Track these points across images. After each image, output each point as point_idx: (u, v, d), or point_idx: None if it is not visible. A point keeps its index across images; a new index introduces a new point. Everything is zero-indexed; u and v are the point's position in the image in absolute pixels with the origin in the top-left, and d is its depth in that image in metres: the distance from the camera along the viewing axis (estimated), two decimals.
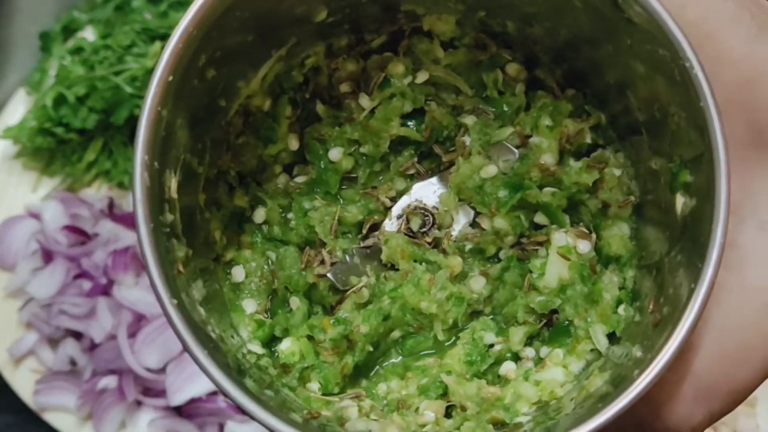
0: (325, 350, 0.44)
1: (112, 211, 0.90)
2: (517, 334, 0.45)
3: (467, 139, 0.48)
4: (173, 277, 0.38)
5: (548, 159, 0.46)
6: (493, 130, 0.47)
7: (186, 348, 0.36)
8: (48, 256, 0.87)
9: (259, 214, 0.48)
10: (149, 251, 0.36)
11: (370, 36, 0.48)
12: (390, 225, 0.48)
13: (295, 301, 0.46)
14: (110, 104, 0.89)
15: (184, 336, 0.36)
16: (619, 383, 0.38)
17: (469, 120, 0.48)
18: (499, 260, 0.47)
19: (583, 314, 0.45)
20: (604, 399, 0.37)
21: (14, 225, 0.91)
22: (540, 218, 0.47)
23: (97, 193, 0.95)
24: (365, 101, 0.48)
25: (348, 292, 0.46)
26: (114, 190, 0.95)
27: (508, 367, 0.45)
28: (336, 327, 0.44)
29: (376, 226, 0.48)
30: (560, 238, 0.45)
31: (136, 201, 0.36)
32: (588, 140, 0.47)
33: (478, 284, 0.46)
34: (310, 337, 0.45)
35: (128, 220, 0.89)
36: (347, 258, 0.46)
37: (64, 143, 0.93)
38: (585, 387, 0.42)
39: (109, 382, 0.80)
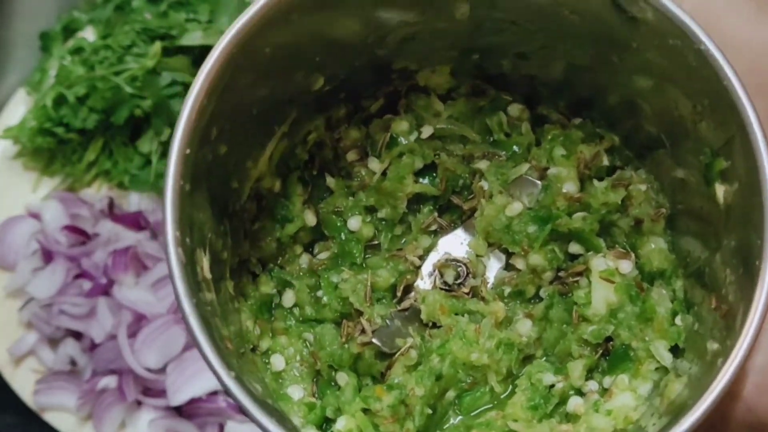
0: (383, 419, 0.43)
1: (112, 211, 0.90)
2: (576, 368, 0.44)
3: (485, 184, 0.47)
4: (224, 350, 0.37)
5: (570, 187, 0.45)
6: (509, 170, 0.47)
7: (255, 422, 0.35)
8: (48, 256, 0.87)
9: (288, 298, 0.47)
10: (196, 326, 0.35)
11: (367, 102, 0.48)
12: (423, 283, 0.47)
13: (343, 377, 0.45)
14: (110, 104, 0.89)
15: (252, 411, 0.35)
16: (702, 377, 0.37)
17: (482, 165, 0.47)
18: (541, 299, 0.46)
19: (639, 335, 0.43)
20: (694, 396, 0.37)
21: (14, 225, 0.91)
22: (575, 248, 0.46)
23: (98, 193, 0.95)
24: (375, 164, 0.47)
25: (396, 356, 0.44)
26: (114, 190, 0.95)
27: (575, 403, 0.44)
28: (391, 392, 0.43)
29: (409, 288, 0.47)
30: (599, 263, 0.44)
31: (175, 279, 0.36)
32: (606, 162, 0.47)
33: (524, 327, 0.45)
34: (365, 410, 0.43)
35: (128, 220, 0.88)
36: (387, 322, 0.45)
37: (64, 143, 0.93)
38: (665, 395, 0.41)
39: (109, 382, 0.80)
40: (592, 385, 0.45)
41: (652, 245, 0.45)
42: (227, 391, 0.36)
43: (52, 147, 0.93)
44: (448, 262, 0.47)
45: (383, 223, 0.48)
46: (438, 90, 0.48)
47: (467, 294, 0.46)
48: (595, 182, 0.46)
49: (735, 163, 0.38)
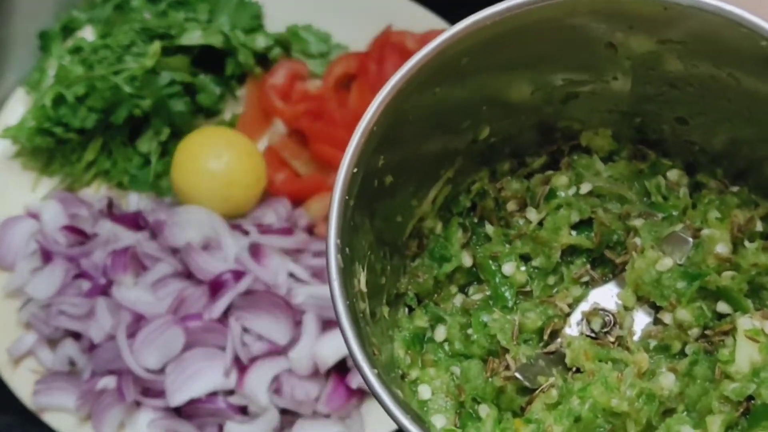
0: None
1: (111, 211, 0.90)
2: (715, 423, 0.44)
3: (638, 240, 0.48)
4: (370, 355, 0.39)
5: (722, 248, 0.46)
6: (663, 229, 0.48)
7: (395, 419, 0.37)
8: (47, 256, 0.87)
9: (440, 333, 0.49)
10: (346, 316, 0.38)
11: (530, 159, 0.51)
12: (570, 330, 0.48)
13: (485, 409, 0.46)
14: (110, 104, 0.89)
15: (399, 417, 0.37)
16: None
17: (637, 222, 0.49)
18: (686, 355, 0.46)
19: None
20: None
21: (13, 225, 0.91)
22: (722, 307, 0.47)
23: (97, 193, 0.95)
24: (533, 214, 0.49)
25: (536, 392, 0.45)
26: (113, 190, 0.95)
27: None
28: (528, 426, 0.44)
29: (555, 333, 0.48)
30: (746, 322, 0.45)
31: (332, 280, 0.38)
32: (759, 228, 0.47)
33: (667, 380, 0.46)
34: None
35: (127, 221, 0.88)
36: (531, 362, 0.47)
37: (63, 143, 0.93)
38: None
39: (109, 382, 0.80)
40: None
41: None
42: (369, 387, 0.38)
43: (51, 147, 0.93)
44: (596, 311, 0.48)
45: (536, 271, 0.50)
46: (600, 152, 0.50)
47: (613, 343, 0.47)
48: (747, 243, 0.47)
49: None
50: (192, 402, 0.78)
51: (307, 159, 0.92)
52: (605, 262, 0.50)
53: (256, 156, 0.91)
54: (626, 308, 0.48)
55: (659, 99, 0.46)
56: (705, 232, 0.47)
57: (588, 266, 0.49)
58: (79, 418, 0.82)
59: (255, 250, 0.83)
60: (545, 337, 0.48)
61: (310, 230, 0.89)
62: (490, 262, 0.49)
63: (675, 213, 0.48)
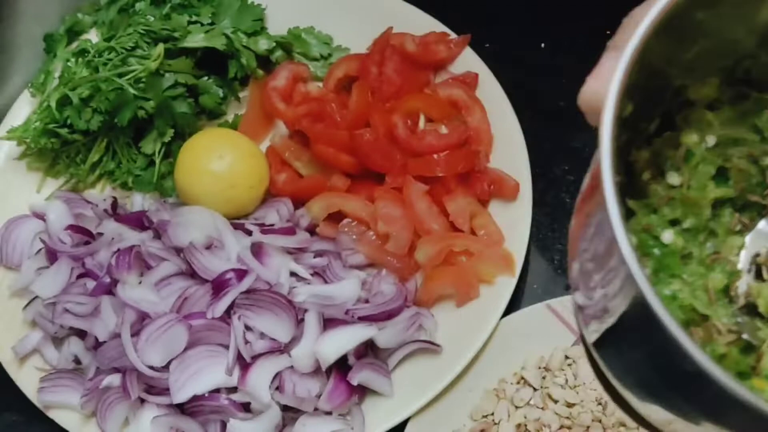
0: None
1: (115, 211, 0.91)
2: None
3: None
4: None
5: None
6: None
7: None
8: (52, 255, 0.88)
9: None
10: (615, 213, 0.34)
11: (644, 124, 0.48)
12: (745, 281, 0.47)
13: None
14: (114, 105, 0.89)
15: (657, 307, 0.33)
16: None
17: (767, 160, 0.48)
18: None
19: None
20: None
21: (19, 225, 0.92)
22: None
23: (101, 193, 0.96)
24: (675, 178, 0.48)
25: (763, 347, 0.44)
26: (117, 190, 0.96)
27: None
28: None
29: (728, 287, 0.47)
30: None
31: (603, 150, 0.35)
32: None
33: None
34: None
35: (132, 220, 0.89)
36: (737, 321, 0.45)
37: (68, 144, 0.94)
38: None
39: (113, 380, 0.81)
40: None
41: None
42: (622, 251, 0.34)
43: (56, 148, 0.94)
44: (765, 256, 0.47)
45: (688, 233, 0.48)
46: (703, 102, 0.48)
47: None
48: None
49: None
50: (195, 399, 0.79)
51: (309, 160, 0.93)
52: (748, 206, 0.48)
53: (259, 157, 0.92)
54: None
55: None
56: None
57: (737, 214, 0.48)
58: (84, 415, 0.83)
59: (257, 250, 0.84)
60: (731, 294, 0.45)
61: (312, 230, 0.90)
62: (644, 235, 0.47)
63: None
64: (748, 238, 0.48)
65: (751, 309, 0.46)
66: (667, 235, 0.47)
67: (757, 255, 0.46)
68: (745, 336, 0.44)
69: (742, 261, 0.47)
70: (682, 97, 0.47)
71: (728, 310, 0.45)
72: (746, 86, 0.47)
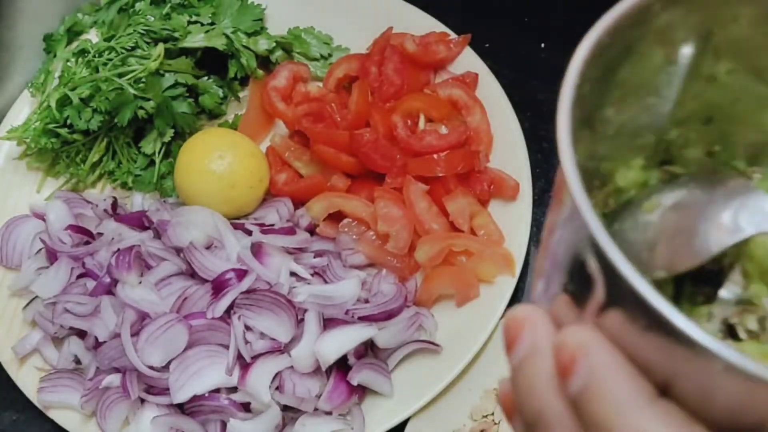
0: None
1: (115, 211, 0.91)
2: None
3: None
4: None
5: None
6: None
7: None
8: (52, 255, 0.88)
9: None
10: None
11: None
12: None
13: None
14: (114, 105, 0.89)
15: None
16: None
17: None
18: None
19: None
20: None
21: (19, 225, 0.92)
22: None
23: (101, 193, 0.96)
24: None
25: None
26: (118, 190, 0.96)
27: None
28: None
29: None
30: None
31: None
32: None
33: None
34: None
35: (132, 220, 0.89)
36: None
37: (68, 144, 0.94)
38: None
39: (113, 379, 0.81)
40: None
41: None
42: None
43: (57, 148, 0.94)
44: (745, 314, 0.44)
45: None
46: (632, 189, 0.45)
47: None
48: None
49: None
50: (195, 399, 0.79)
51: (309, 160, 0.93)
52: (704, 277, 0.44)
53: (259, 157, 0.92)
54: (763, 299, 0.43)
55: (697, 101, 0.42)
56: None
57: (697, 287, 0.44)
58: (84, 415, 0.83)
59: (257, 250, 0.84)
60: None
61: (312, 230, 0.90)
62: None
63: None
64: (714, 309, 0.45)
65: None
66: None
67: (726, 319, 0.44)
68: None
69: (713, 328, 0.45)
70: (610, 185, 0.45)
71: None
72: (672, 165, 0.45)
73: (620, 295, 0.28)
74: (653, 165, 0.45)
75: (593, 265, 0.30)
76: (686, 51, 0.39)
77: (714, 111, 0.42)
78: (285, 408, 0.80)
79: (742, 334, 0.42)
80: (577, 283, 0.33)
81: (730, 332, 0.43)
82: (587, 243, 0.30)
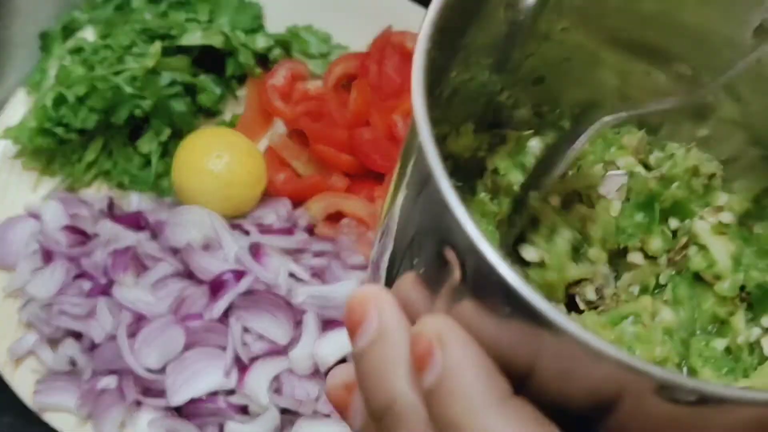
0: None
1: (112, 212, 0.91)
2: (740, 320, 0.42)
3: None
4: None
5: (641, 170, 0.45)
6: (584, 181, 0.45)
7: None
8: (48, 256, 0.87)
9: None
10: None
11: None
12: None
13: None
14: (110, 104, 0.89)
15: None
16: None
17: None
18: (663, 286, 0.45)
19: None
20: None
21: (14, 225, 0.91)
22: (674, 223, 0.45)
23: (97, 193, 0.95)
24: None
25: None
26: (114, 190, 0.95)
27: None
28: None
29: None
30: (703, 225, 0.44)
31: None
32: (660, 148, 0.46)
33: (668, 315, 0.43)
34: None
35: (128, 221, 0.89)
36: None
37: (64, 143, 0.93)
38: None
39: (109, 382, 0.80)
40: (756, 331, 0.43)
41: (724, 197, 0.45)
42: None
43: (52, 147, 0.93)
44: (582, 282, 0.45)
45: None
46: (465, 154, 0.46)
47: (612, 304, 0.45)
48: (655, 155, 0.46)
49: None
50: (192, 402, 0.78)
51: (308, 159, 0.92)
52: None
53: (257, 156, 0.91)
54: (600, 266, 0.44)
55: (528, 63, 0.43)
56: (619, 163, 0.45)
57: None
58: (80, 418, 0.82)
59: (255, 250, 0.83)
60: None
61: (311, 230, 0.89)
62: None
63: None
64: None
65: None
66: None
67: (577, 285, 0.44)
68: None
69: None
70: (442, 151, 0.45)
71: None
72: (500, 128, 0.46)
73: (480, 281, 0.26)
74: (483, 128, 0.45)
75: (449, 249, 0.28)
76: (528, 7, 0.39)
77: (545, 70, 0.43)
78: (283, 410, 0.79)
79: (581, 305, 0.43)
80: (430, 265, 0.30)
81: (569, 304, 0.43)
82: (442, 222, 0.27)
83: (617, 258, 0.45)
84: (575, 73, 0.44)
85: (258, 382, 0.78)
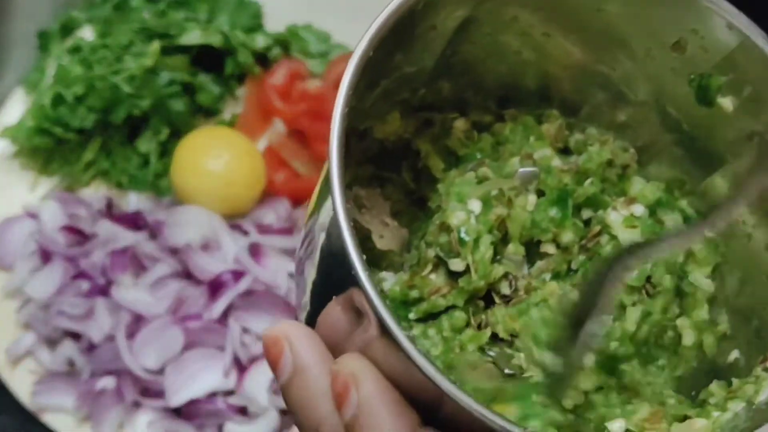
0: None
1: (110, 211, 0.90)
2: (632, 314, 0.44)
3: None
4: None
5: (557, 163, 0.46)
6: (500, 173, 0.46)
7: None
8: (46, 256, 0.87)
9: None
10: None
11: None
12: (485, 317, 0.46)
13: None
14: (109, 104, 0.89)
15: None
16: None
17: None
18: (575, 271, 0.46)
19: (675, 265, 0.45)
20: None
21: (12, 225, 0.91)
22: (586, 213, 0.46)
23: (96, 193, 0.95)
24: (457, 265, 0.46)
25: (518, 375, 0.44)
26: (112, 190, 0.95)
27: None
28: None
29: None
30: (616, 216, 0.45)
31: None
32: (578, 135, 0.48)
33: (574, 297, 0.45)
34: None
35: (127, 221, 0.88)
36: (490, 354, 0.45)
37: (62, 143, 0.93)
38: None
39: (108, 382, 0.80)
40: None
41: (638, 185, 0.46)
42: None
43: (50, 147, 0.93)
44: (499, 278, 0.46)
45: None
46: (391, 137, 0.47)
47: (524, 294, 0.46)
48: (588, 149, 0.47)
49: (735, 73, 0.40)
50: (191, 402, 0.78)
51: (307, 159, 0.92)
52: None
53: (256, 156, 0.91)
54: (517, 260, 0.46)
55: (452, 61, 0.45)
56: (536, 155, 0.46)
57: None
58: (79, 419, 0.82)
59: (254, 250, 0.83)
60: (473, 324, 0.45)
61: None
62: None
63: (479, 155, 0.47)
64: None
65: (497, 335, 0.45)
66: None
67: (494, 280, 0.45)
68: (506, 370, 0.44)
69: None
70: (370, 143, 0.47)
71: (479, 343, 0.44)
72: (427, 111, 0.47)
73: (384, 331, 0.30)
74: (409, 113, 0.47)
75: (358, 297, 0.31)
76: (451, 28, 0.42)
77: (467, 66, 0.45)
78: (283, 411, 0.79)
79: (496, 299, 0.44)
80: (346, 304, 0.33)
81: (485, 298, 0.44)
82: (351, 278, 0.31)
83: (531, 247, 0.46)
84: (493, 67, 0.46)
85: (257, 383, 0.78)
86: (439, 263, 0.44)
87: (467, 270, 0.44)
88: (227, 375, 0.78)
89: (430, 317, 0.44)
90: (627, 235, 0.44)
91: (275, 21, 1.01)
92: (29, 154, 0.95)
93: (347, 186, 0.46)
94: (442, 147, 0.48)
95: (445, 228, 0.44)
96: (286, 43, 0.99)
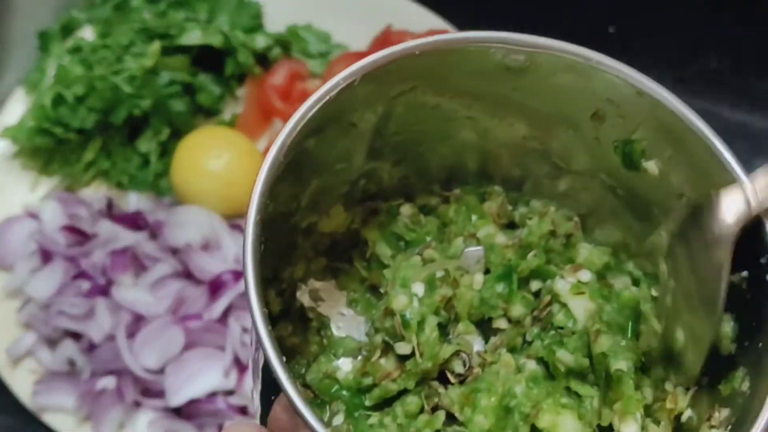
0: None
1: (111, 211, 0.90)
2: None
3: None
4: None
5: (502, 239, 0.47)
6: (446, 254, 0.47)
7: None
8: (46, 256, 0.87)
9: None
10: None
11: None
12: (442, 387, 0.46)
13: None
14: (109, 104, 0.89)
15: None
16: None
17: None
18: (529, 342, 0.46)
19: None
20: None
21: (13, 225, 0.91)
22: (535, 285, 0.47)
23: (96, 193, 0.95)
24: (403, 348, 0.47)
25: None
26: (113, 190, 0.95)
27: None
28: None
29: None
30: (563, 284, 0.45)
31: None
32: (521, 210, 0.48)
33: (532, 367, 0.45)
34: None
35: (127, 221, 0.88)
36: None
37: (62, 143, 0.93)
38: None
39: (108, 382, 0.80)
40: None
41: (584, 251, 0.47)
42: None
43: (51, 147, 0.93)
44: (450, 357, 0.46)
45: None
46: (340, 230, 0.48)
47: (479, 371, 0.46)
48: (527, 222, 0.47)
49: (654, 137, 0.41)
50: (192, 402, 0.78)
51: None
52: None
53: (256, 156, 0.91)
54: (469, 338, 0.46)
55: (385, 150, 0.45)
56: (480, 234, 0.47)
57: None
58: (79, 419, 0.82)
59: None
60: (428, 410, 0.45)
61: None
62: (328, 381, 0.46)
63: (428, 238, 0.48)
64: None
65: (451, 415, 0.45)
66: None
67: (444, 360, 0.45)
68: None
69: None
70: (319, 238, 0.47)
71: (433, 428, 0.44)
72: (371, 201, 0.48)
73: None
74: (353, 204, 0.47)
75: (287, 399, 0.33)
76: (375, 117, 0.43)
77: (403, 153, 0.46)
78: None
79: (451, 378, 0.44)
80: (285, 408, 0.36)
81: (441, 378, 0.45)
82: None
83: (483, 325, 0.46)
84: (430, 150, 0.46)
85: None
86: (388, 348, 0.44)
87: (414, 353, 0.44)
88: (227, 375, 0.78)
89: (385, 404, 0.44)
90: (576, 303, 0.45)
91: (275, 21, 1.01)
92: (30, 154, 0.95)
93: (300, 280, 0.46)
94: (390, 234, 0.48)
95: (390, 312, 0.44)
96: (286, 43, 0.99)
